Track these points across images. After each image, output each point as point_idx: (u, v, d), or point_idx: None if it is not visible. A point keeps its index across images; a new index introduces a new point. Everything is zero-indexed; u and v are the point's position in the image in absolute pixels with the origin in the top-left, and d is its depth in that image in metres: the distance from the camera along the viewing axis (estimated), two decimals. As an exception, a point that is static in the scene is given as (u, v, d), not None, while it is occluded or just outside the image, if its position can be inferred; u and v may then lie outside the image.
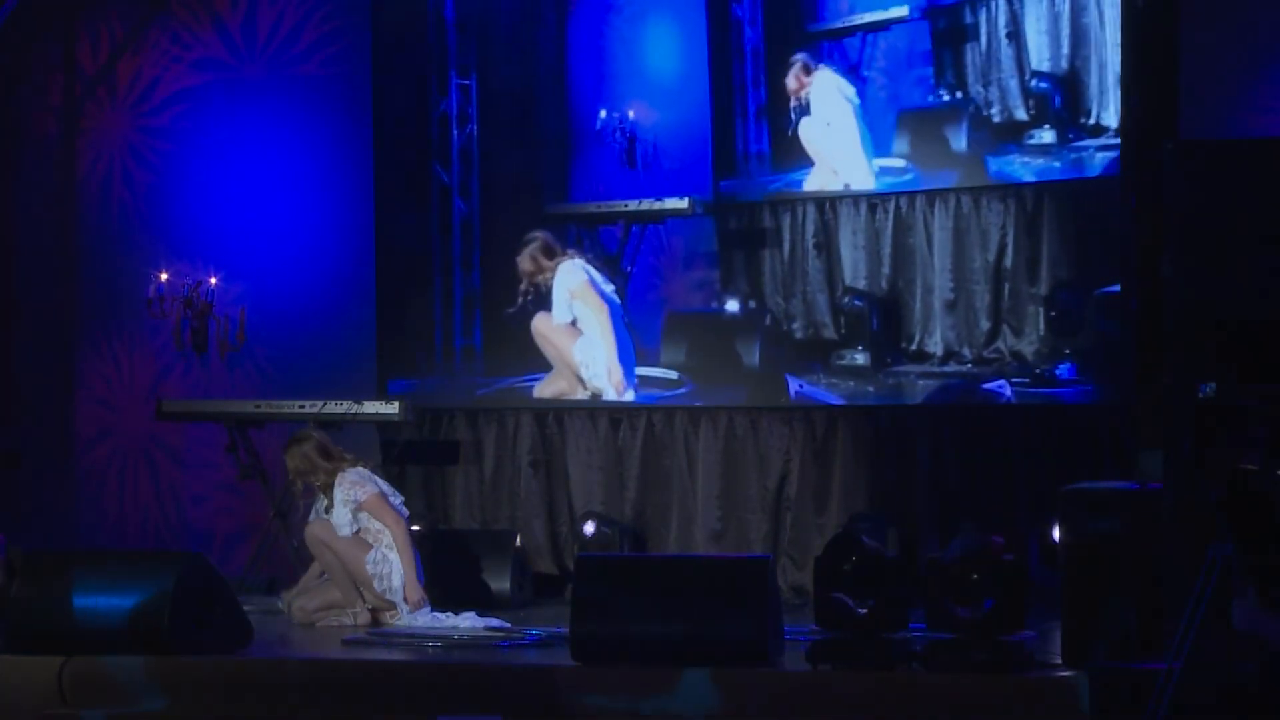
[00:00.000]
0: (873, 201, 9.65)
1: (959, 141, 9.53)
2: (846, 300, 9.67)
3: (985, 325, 9.38)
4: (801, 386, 9.72)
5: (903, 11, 9.64)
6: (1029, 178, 9.42)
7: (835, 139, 9.76)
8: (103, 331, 10.97)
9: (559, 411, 10.11)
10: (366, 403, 9.78)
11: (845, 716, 6.70)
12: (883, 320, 9.59)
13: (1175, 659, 5.49)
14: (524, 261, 10.02)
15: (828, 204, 9.78)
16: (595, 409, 10.05)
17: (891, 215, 9.63)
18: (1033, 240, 9.35)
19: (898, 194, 9.62)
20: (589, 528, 9.61)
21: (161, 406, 10.05)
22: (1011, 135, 9.44)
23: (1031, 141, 9.40)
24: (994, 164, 9.46)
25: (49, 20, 11.06)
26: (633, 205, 10.21)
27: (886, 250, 9.61)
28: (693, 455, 9.85)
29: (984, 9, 9.47)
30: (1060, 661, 6.82)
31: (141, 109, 10.98)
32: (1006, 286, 9.33)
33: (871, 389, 9.60)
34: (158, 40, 10.96)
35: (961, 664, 6.71)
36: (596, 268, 10.08)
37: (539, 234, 10.03)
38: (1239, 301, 6.77)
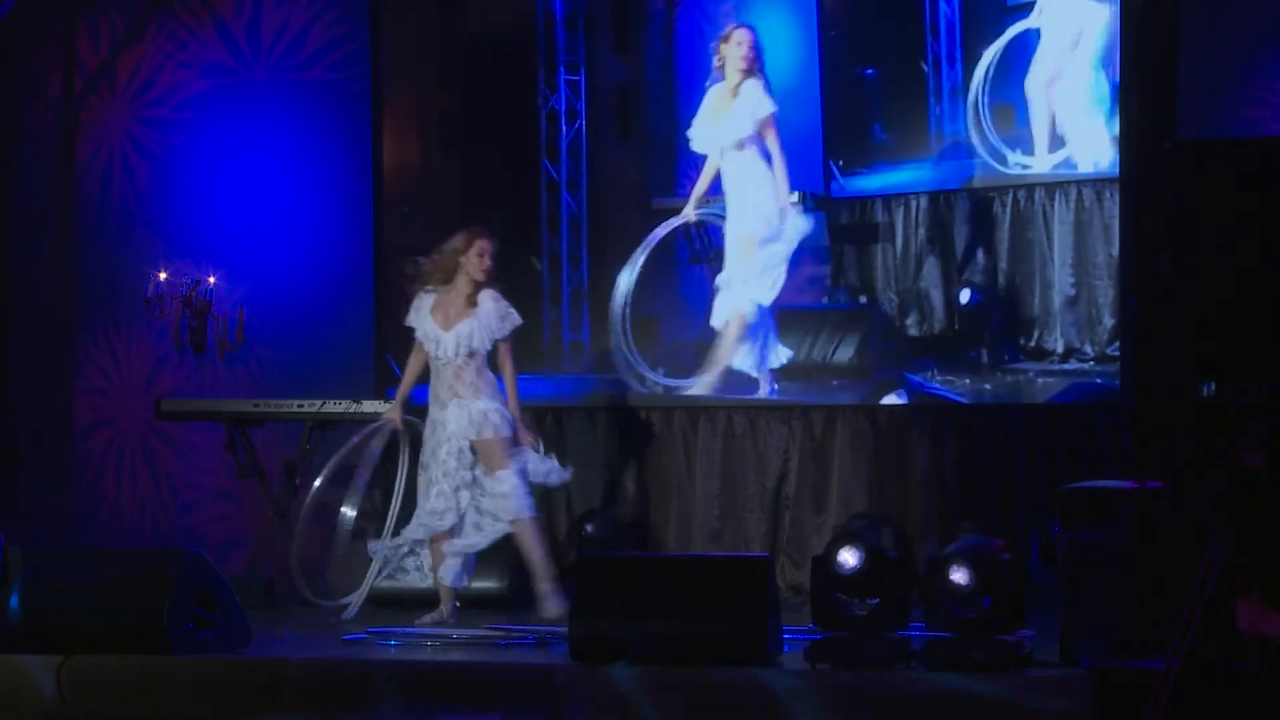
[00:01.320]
0: (989, 194, 9.55)
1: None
2: (963, 295, 9.57)
3: (1108, 322, 9.34)
4: (921, 384, 9.62)
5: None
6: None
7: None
8: (102, 330, 10.96)
9: (558, 411, 10.10)
10: (365, 402, 9.78)
11: (845, 716, 6.70)
12: (1001, 316, 9.52)
13: (1175, 659, 5.49)
14: None
15: (942, 198, 9.68)
16: (594, 409, 10.05)
17: (1009, 208, 9.54)
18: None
19: (1015, 186, 9.52)
20: (589, 528, 9.60)
21: (160, 405, 10.04)
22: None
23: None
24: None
25: (49, 18, 11.06)
26: None
27: (1004, 245, 9.52)
28: (692, 454, 9.85)
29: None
30: (1059, 661, 6.82)
31: (142, 103, 10.97)
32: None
33: (989, 386, 9.51)
34: (156, 37, 10.95)
35: (961, 663, 6.71)
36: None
37: None
38: (1239, 301, 6.77)
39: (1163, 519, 6.78)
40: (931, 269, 9.68)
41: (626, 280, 9.98)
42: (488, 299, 8.48)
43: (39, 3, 10.91)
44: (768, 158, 9.63)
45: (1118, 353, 9.16)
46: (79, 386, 11.01)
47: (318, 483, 9.16)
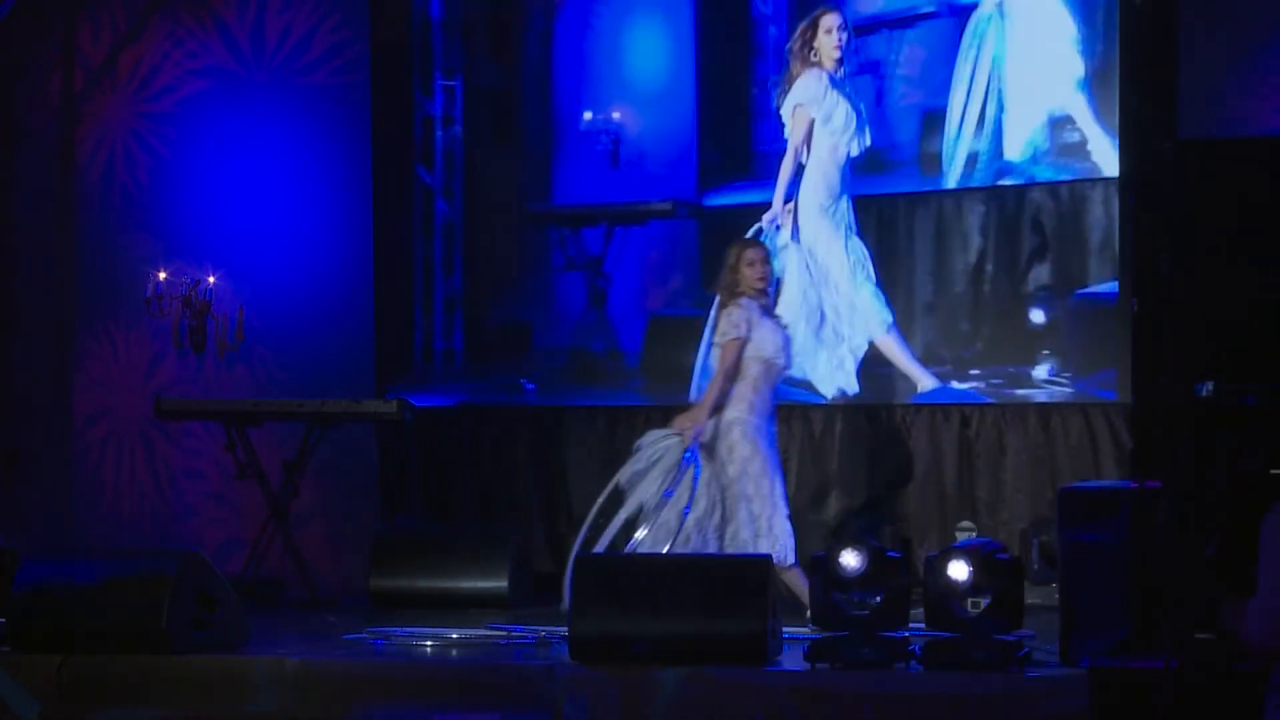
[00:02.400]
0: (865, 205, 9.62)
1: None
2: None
3: (964, 327, 9.39)
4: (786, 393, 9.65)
5: (930, 8, 9.60)
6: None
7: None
8: (103, 328, 10.97)
9: (558, 411, 10.11)
10: (365, 401, 9.78)
11: (845, 716, 6.70)
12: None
13: (1174, 658, 5.50)
14: None
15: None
16: (594, 409, 10.05)
17: (873, 217, 9.64)
18: (1013, 242, 9.37)
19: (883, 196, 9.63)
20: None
21: (160, 405, 10.04)
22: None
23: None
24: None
25: (49, 18, 11.06)
26: (615, 206, 10.20)
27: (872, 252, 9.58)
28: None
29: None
30: (1059, 661, 6.82)
31: (142, 102, 10.99)
32: (986, 289, 9.31)
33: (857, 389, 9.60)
34: (157, 37, 10.96)
35: (960, 663, 6.70)
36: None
37: None
38: (1238, 301, 6.78)
39: (1163, 519, 6.79)
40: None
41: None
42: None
43: (39, 2, 10.91)
44: None
45: (975, 356, 9.33)
46: (79, 381, 11.01)
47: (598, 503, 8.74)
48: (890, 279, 9.50)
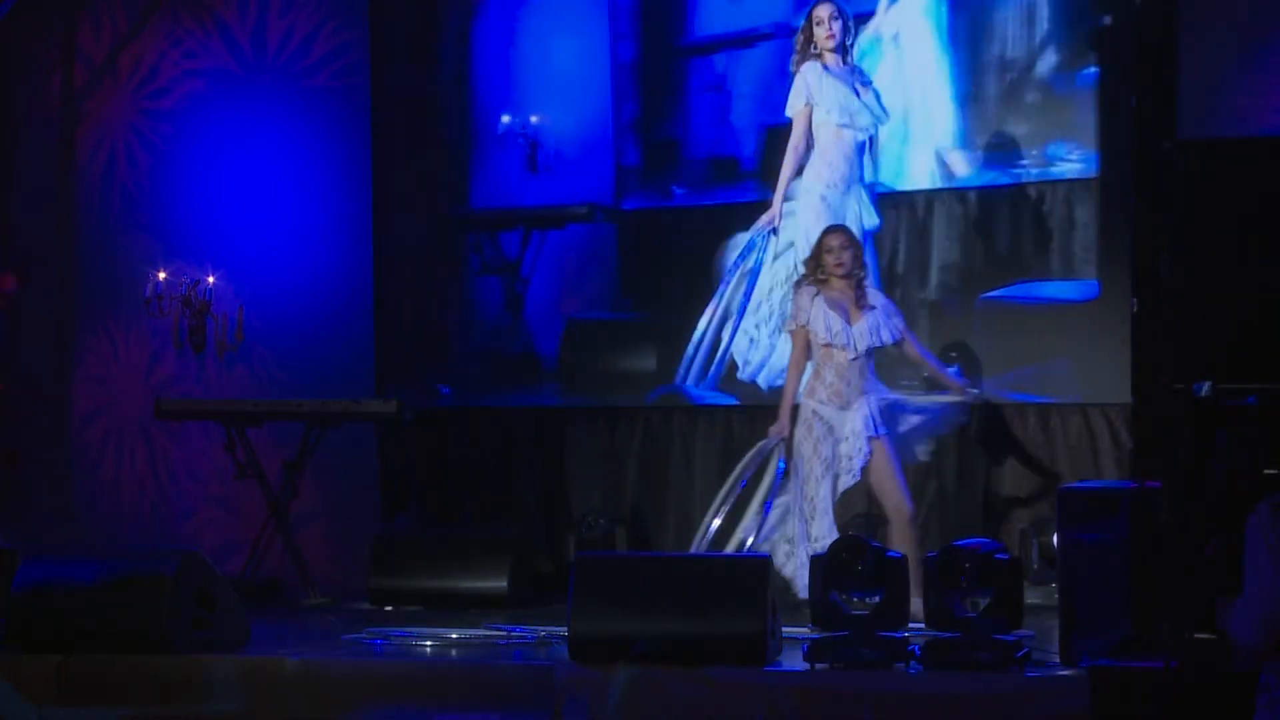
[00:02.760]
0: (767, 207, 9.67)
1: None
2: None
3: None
4: (697, 397, 9.86)
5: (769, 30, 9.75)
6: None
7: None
8: (102, 328, 10.97)
9: (558, 411, 10.11)
10: (365, 401, 9.78)
11: (845, 716, 6.70)
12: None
13: (1174, 658, 5.50)
14: None
15: (724, 209, 9.86)
16: (594, 408, 10.05)
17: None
18: (923, 246, 9.47)
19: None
20: (596, 525, 9.59)
21: (160, 405, 10.04)
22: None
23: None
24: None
25: (50, 18, 11.07)
26: (533, 210, 10.22)
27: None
28: (691, 454, 9.85)
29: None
30: (1059, 661, 6.82)
31: (142, 101, 11.00)
32: (898, 292, 9.35)
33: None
34: (157, 36, 10.96)
35: (960, 663, 6.70)
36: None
37: None
38: (1238, 301, 6.77)
39: (1163, 519, 6.79)
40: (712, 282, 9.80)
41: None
42: (879, 295, 8.45)
43: (39, 2, 10.91)
44: None
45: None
46: (78, 381, 11.02)
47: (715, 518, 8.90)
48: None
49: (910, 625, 7.04)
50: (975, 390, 8.81)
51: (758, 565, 7.19)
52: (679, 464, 9.85)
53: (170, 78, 10.94)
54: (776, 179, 9.28)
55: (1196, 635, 5.41)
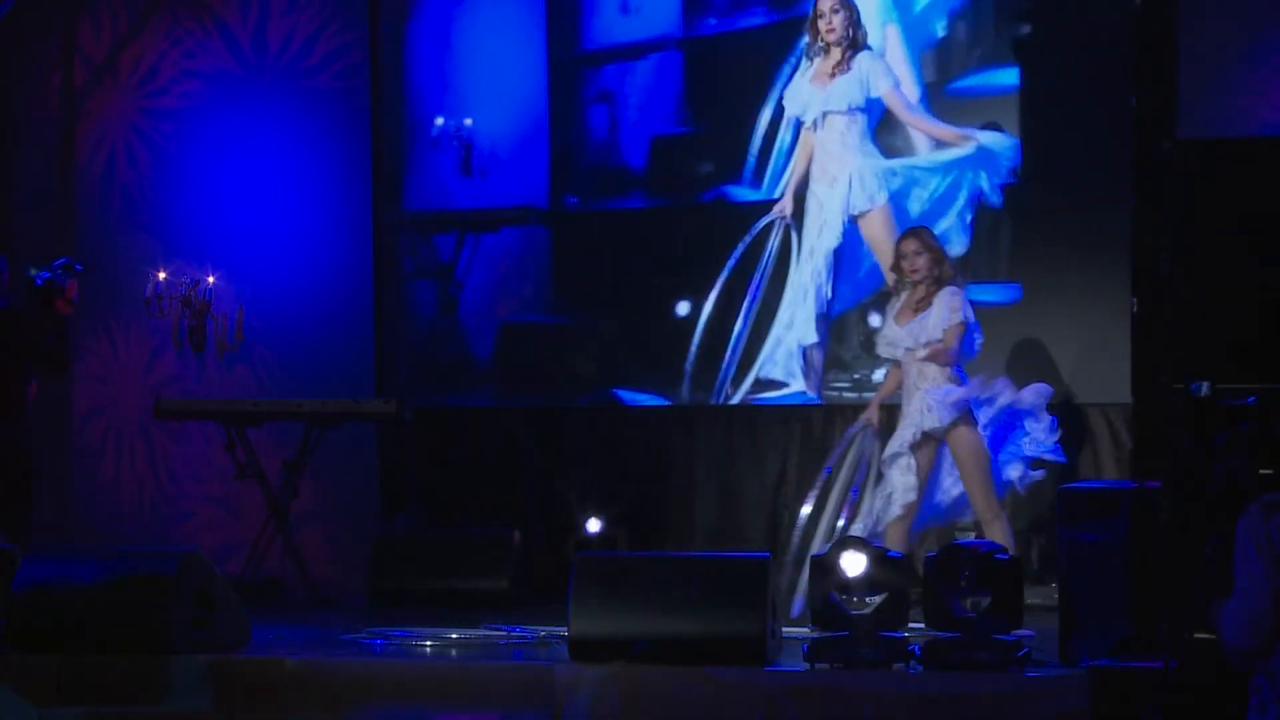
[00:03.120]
0: (706, 212, 9.78)
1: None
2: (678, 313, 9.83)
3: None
4: (631, 397, 9.92)
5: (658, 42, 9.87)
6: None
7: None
8: (102, 328, 10.97)
9: (558, 411, 10.11)
10: (364, 401, 9.78)
11: (845, 716, 6.70)
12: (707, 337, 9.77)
13: (1173, 658, 5.49)
14: None
15: (663, 214, 9.93)
16: (594, 409, 10.05)
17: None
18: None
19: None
20: (593, 525, 9.61)
21: (159, 405, 10.04)
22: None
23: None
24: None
25: (50, 18, 11.06)
26: (467, 213, 10.25)
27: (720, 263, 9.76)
28: (691, 454, 9.85)
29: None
30: (1059, 661, 6.82)
31: (143, 99, 10.99)
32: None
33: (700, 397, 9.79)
34: (157, 36, 10.96)
35: (960, 662, 6.70)
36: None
37: None
38: (1238, 301, 6.77)
39: (1163, 519, 6.78)
40: (649, 284, 9.87)
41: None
42: (944, 295, 8.35)
43: (40, 2, 10.91)
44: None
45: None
46: (78, 381, 11.00)
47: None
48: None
49: (910, 625, 7.04)
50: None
51: (758, 565, 7.19)
52: (678, 463, 9.85)
53: (170, 78, 10.93)
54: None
55: (1196, 635, 5.40)
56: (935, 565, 6.89)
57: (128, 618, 7.34)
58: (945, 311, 8.30)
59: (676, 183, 9.94)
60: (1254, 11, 9.01)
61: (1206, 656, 5.72)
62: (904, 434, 8.31)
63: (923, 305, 8.35)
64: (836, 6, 9.25)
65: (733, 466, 9.75)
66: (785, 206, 9.55)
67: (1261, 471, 5.79)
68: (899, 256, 8.43)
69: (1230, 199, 6.86)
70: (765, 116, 9.65)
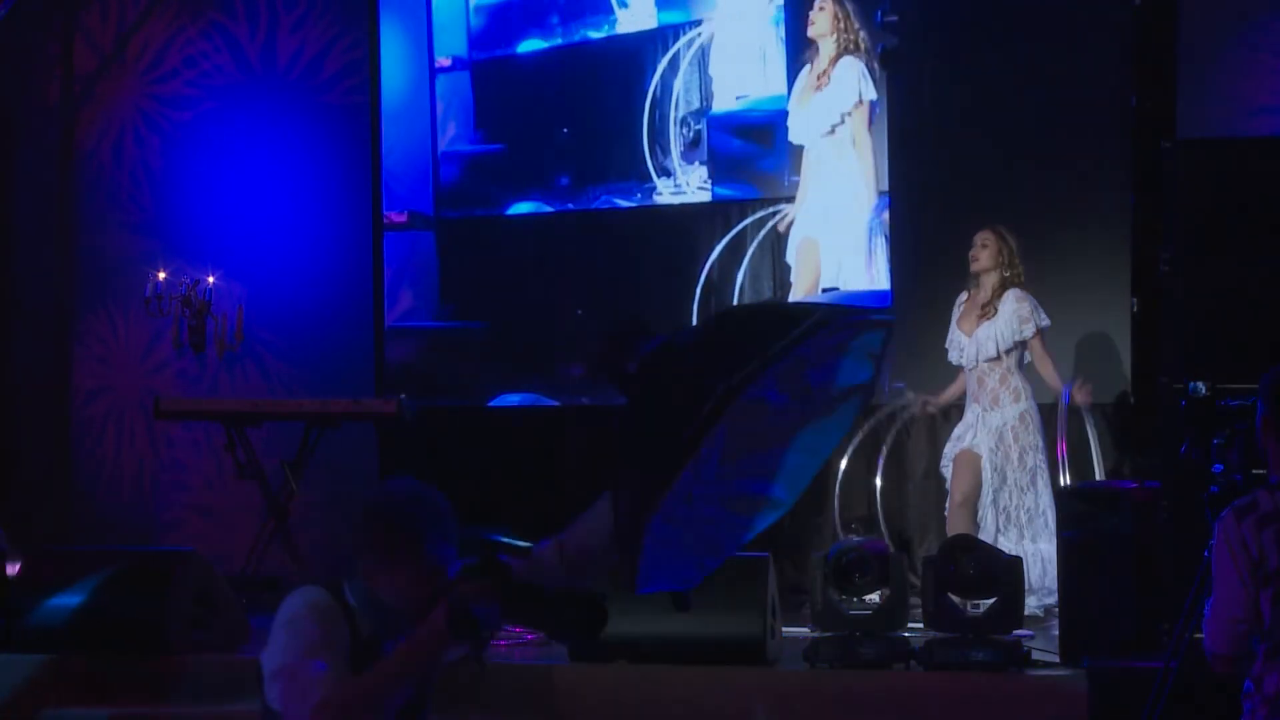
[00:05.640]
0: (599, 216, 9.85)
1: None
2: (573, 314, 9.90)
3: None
4: (522, 398, 10.05)
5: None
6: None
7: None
8: (102, 327, 10.97)
9: (560, 411, 10.11)
10: (365, 401, 9.78)
11: (845, 716, 6.70)
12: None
13: (1173, 658, 5.49)
14: None
15: (556, 219, 10.01)
16: (594, 409, 10.05)
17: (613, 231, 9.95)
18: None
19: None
20: None
21: (159, 405, 10.04)
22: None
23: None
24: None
25: (50, 16, 11.07)
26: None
27: (604, 266, 9.88)
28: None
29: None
30: (1059, 661, 6.82)
31: (142, 97, 11.00)
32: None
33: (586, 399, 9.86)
34: (156, 31, 10.97)
35: (960, 662, 6.70)
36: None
37: None
38: (1238, 301, 6.77)
39: (1163, 519, 6.78)
40: (536, 288, 9.96)
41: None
42: (1009, 300, 8.27)
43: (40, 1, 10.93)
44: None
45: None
46: (78, 381, 11.01)
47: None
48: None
49: (910, 625, 7.05)
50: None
51: (758, 565, 7.18)
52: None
53: (170, 78, 10.94)
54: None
55: (1196, 635, 5.40)
56: (935, 565, 6.89)
57: (127, 618, 7.34)
58: (1014, 322, 8.20)
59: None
60: (1253, 12, 9.02)
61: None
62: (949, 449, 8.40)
63: (987, 313, 8.27)
64: (822, 4, 9.34)
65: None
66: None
67: (1255, 471, 5.80)
68: (971, 249, 8.37)
69: (1230, 199, 6.86)
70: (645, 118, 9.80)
